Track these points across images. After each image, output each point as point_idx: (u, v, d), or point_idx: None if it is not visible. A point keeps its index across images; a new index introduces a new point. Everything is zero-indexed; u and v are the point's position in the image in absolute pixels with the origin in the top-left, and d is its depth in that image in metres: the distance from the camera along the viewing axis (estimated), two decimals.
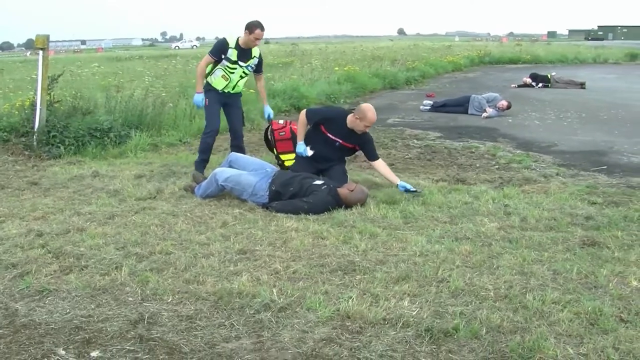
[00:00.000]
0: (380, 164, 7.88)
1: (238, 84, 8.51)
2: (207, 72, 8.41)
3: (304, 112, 7.99)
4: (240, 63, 8.36)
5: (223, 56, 8.27)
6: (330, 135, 7.81)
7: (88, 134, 10.37)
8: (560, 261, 5.27)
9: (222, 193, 7.34)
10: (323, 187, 6.98)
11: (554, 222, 6.39)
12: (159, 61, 33.46)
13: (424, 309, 4.33)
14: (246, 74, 8.55)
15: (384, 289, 4.68)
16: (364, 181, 8.00)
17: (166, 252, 5.51)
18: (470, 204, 7.12)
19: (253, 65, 8.55)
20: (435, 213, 6.76)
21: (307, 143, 7.90)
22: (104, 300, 4.58)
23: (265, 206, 6.96)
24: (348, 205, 6.94)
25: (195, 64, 26.36)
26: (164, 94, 13.68)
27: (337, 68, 22.23)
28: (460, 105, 15.83)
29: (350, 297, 4.50)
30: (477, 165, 9.57)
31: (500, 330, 4.04)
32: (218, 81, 8.35)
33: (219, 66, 8.33)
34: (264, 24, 8.31)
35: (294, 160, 8.31)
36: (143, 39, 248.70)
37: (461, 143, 11.47)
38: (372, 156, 7.88)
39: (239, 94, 8.70)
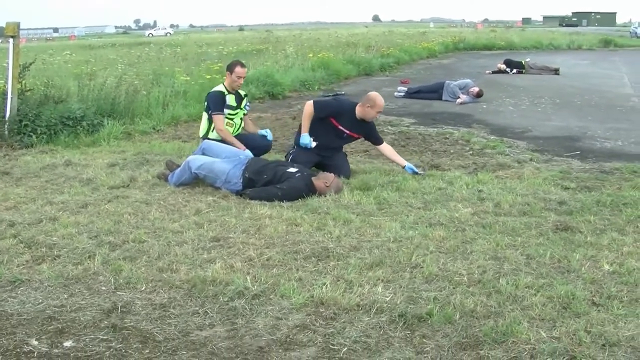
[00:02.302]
0: (386, 148, 8.17)
1: (240, 125, 8.60)
2: (207, 128, 8.40)
3: (310, 103, 7.97)
4: (239, 106, 8.50)
5: (224, 107, 8.35)
6: (341, 127, 7.91)
7: (60, 123, 10.26)
8: (533, 246, 5.32)
9: (195, 181, 7.31)
10: (297, 175, 6.98)
11: (528, 207, 6.44)
12: (132, 49, 33.15)
13: (398, 295, 4.35)
14: (244, 114, 8.66)
15: (358, 275, 4.70)
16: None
17: (139, 240, 5.48)
18: (444, 189, 7.16)
19: (248, 105, 8.74)
20: (409, 199, 6.78)
21: (311, 134, 7.91)
22: (76, 290, 4.55)
23: (239, 193, 6.95)
24: (320, 194, 6.96)
25: (169, 51, 26.25)
26: (137, 82, 13.59)
27: (311, 55, 22.18)
28: (434, 92, 15.87)
29: (324, 284, 4.52)
30: (452, 151, 9.61)
31: (474, 315, 4.08)
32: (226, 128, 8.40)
33: None
34: (242, 61, 8.52)
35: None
36: (116, 27, 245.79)
37: (435, 129, 11.52)
38: (377, 141, 8.16)
39: (240, 134, 8.66)
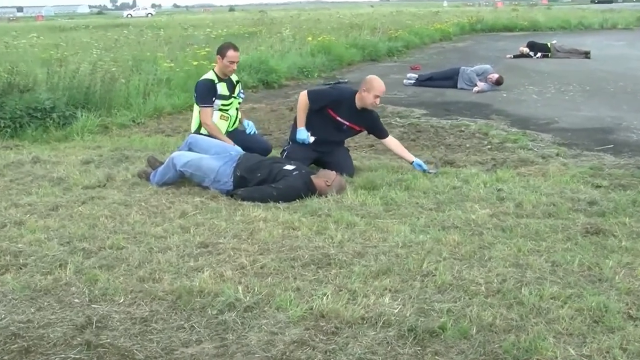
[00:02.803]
0: (392, 142, 8.14)
1: (237, 117, 8.60)
2: (199, 122, 8.32)
3: (304, 93, 8.00)
4: (232, 94, 8.45)
5: (214, 98, 8.25)
6: (339, 119, 7.90)
7: (27, 115, 10.28)
8: (560, 251, 5.32)
9: (181, 180, 7.33)
10: (294, 173, 6.99)
11: (553, 207, 6.44)
12: (108, 31, 33.09)
13: (407, 306, 4.36)
14: (239, 104, 8.66)
15: (363, 285, 4.70)
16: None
17: (117, 246, 5.49)
18: (459, 188, 7.17)
19: (242, 91, 8.71)
20: (420, 199, 6.79)
21: (308, 128, 7.93)
22: (45, 303, 4.55)
23: (229, 193, 6.97)
24: (320, 194, 6.97)
25: (150, 34, 26.21)
26: (114, 69, 13.56)
27: (310, 38, 22.19)
28: (448, 79, 15.89)
29: (325, 294, 4.52)
30: (467, 145, 9.64)
31: (493, 329, 4.08)
32: (219, 126, 8.29)
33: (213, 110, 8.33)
34: (235, 44, 8.42)
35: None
36: (90, 6, 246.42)
37: (449, 121, 11.54)
38: (382, 134, 8.11)
39: (238, 130, 8.67)
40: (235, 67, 8.37)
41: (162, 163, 7.53)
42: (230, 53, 8.23)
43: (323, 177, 7.06)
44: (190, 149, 7.57)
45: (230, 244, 5.55)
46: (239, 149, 7.68)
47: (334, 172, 7.20)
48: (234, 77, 8.59)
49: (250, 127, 8.58)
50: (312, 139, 7.89)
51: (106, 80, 12.34)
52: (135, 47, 20.59)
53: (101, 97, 11.81)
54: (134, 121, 11.59)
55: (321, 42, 21.36)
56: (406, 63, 21.30)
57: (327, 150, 7.99)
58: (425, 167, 7.85)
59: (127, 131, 10.96)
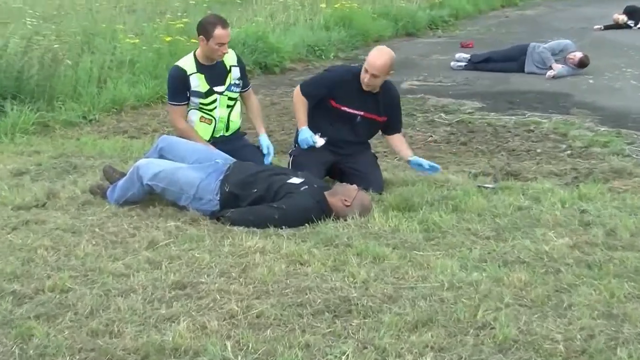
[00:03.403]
0: (396, 139, 8.31)
1: (231, 119, 8.43)
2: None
3: (297, 89, 8.11)
4: (217, 89, 8.25)
5: (188, 93, 8.18)
6: (347, 109, 7.96)
7: None
8: None
9: (149, 197, 7.36)
10: (302, 188, 7.00)
11: None
12: None
13: None
14: (233, 99, 8.45)
15: (395, 340, 4.72)
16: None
17: (62, 288, 5.48)
18: (528, 209, 7.19)
19: (237, 82, 8.40)
20: (472, 224, 6.82)
21: (315, 128, 7.97)
22: None
23: (215, 216, 7.00)
24: (337, 215, 7.00)
25: None
26: (56, 46, 13.57)
27: (324, 5, 22.06)
28: (512, 60, 15.91)
29: (344, 353, 4.54)
30: (539, 150, 9.66)
31: None
32: (199, 130, 8.26)
33: (190, 108, 8.28)
34: (223, 18, 8.20)
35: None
36: None
37: (514, 117, 11.56)
38: (396, 128, 8.29)
39: (239, 135, 8.65)
40: (225, 49, 8.12)
41: (123, 175, 7.54)
42: (218, 32, 7.95)
43: (341, 195, 7.06)
44: (161, 156, 7.58)
45: (216, 284, 5.56)
46: (227, 156, 7.69)
47: (354, 186, 7.22)
48: (230, 60, 8.38)
49: (269, 153, 8.36)
50: (321, 141, 7.88)
51: (46, 62, 12.25)
52: (86, 16, 20.53)
53: (39, 84, 11.71)
54: (84, 117, 11.53)
55: (339, 10, 21.12)
56: (455, 39, 21.29)
57: (346, 153, 8.04)
58: (426, 166, 7.89)
59: (75, 131, 10.96)
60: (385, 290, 5.42)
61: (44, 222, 6.93)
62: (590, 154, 9.41)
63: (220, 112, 8.31)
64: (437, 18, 24.91)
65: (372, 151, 8.45)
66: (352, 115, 7.96)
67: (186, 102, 8.21)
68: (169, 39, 15.00)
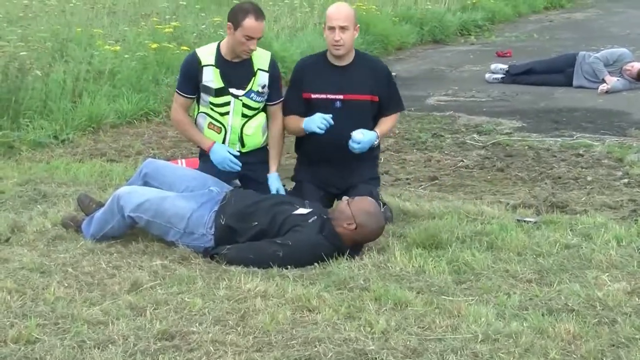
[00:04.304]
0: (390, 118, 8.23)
1: (245, 132, 8.13)
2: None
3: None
4: (234, 91, 7.99)
5: (199, 87, 8.04)
6: (320, 95, 7.95)
7: None
8: None
9: (131, 231, 7.33)
10: (311, 220, 6.97)
11: None
12: None
13: None
14: (254, 110, 8.13)
15: None
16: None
17: (27, 339, 5.45)
18: (577, 247, 7.15)
19: (261, 89, 8.06)
20: (511, 264, 6.78)
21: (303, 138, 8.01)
22: None
23: (209, 253, 6.99)
24: (354, 248, 6.94)
25: None
26: (23, 53, 13.61)
27: None
28: (558, 72, 15.97)
29: None
30: (589, 178, 9.65)
31: None
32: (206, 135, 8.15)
33: (199, 111, 8.18)
34: (257, 6, 7.98)
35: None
36: None
37: (559, 139, 11.59)
38: (393, 108, 8.25)
39: (261, 157, 8.33)
40: (254, 45, 7.83)
41: (101, 205, 7.53)
42: (249, 22, 7.65)
43: (338, 220, 7.08)
44: (146, 183, 7.57)
45: (210, 334, 5.54)
46: (223, 183, 7.68)
47: (343, 200, 7.29)
48: (260, 62, 8.15)
49: (275, 185, 8.17)
50: (327, 117, 7.65)
51: (11, 72, 12.32)
52: (58, 18, 20.61)
53: (2, 98, 11.78)
54: (56, 137, 11.57)
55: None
56: (490, 47, 21.44)
57: (338, 156, 7.92)
58: (363, 141, 7.67)
59: (44, 153, 10.98)
60: (408, 343, 5.38)
61: (7, 260, 6.92)
62: None
63: (233, 121, 8.02)
64: (469, 22, 25.05)
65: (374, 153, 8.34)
66: (328, 101, 7.90)
67: (192, 97, 8.11)
68: (155, 45, 15.05)
